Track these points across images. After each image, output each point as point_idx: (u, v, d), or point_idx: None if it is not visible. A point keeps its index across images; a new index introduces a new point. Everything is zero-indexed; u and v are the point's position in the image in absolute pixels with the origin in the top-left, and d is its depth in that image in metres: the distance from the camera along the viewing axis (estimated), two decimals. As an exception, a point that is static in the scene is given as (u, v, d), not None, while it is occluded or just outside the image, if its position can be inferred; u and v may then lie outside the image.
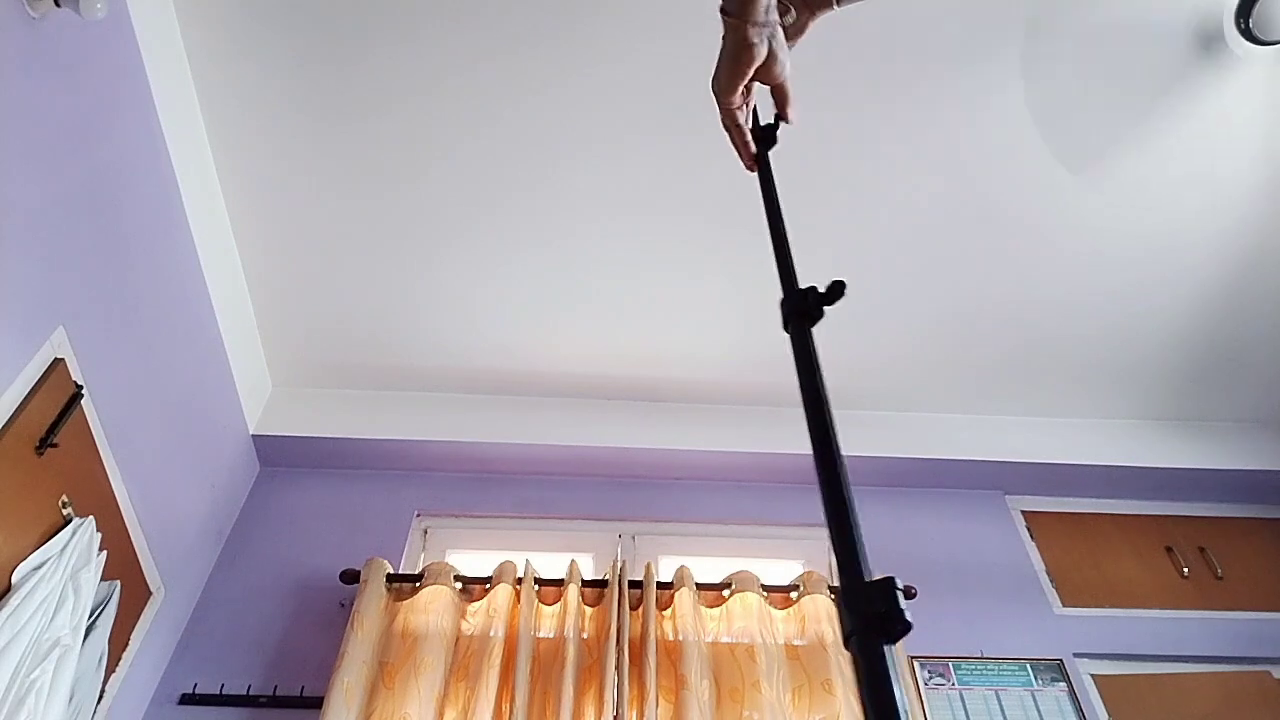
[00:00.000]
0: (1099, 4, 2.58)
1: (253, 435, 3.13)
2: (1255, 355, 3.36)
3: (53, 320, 2.03)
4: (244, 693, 2.51)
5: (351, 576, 2.69)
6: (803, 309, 0.80)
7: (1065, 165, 2.86)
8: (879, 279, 3.13)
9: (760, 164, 1.11)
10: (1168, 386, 3.45)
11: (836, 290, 0.79)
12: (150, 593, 2.44)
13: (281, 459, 3.19)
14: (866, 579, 0.61)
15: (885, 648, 0.56)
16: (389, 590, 2.67)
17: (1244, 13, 2.51)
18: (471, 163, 2.83)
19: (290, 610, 2.73)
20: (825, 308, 0.80)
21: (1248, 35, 2.53)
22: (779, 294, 0.88)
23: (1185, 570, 3.11)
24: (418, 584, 2.67)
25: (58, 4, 1.91)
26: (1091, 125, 2.80)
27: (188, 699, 2.50)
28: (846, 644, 0.58)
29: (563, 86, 2.67)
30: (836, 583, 2.90)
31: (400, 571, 2.83)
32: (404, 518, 3.07)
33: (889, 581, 0.58)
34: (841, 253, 3.06)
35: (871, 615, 0.57)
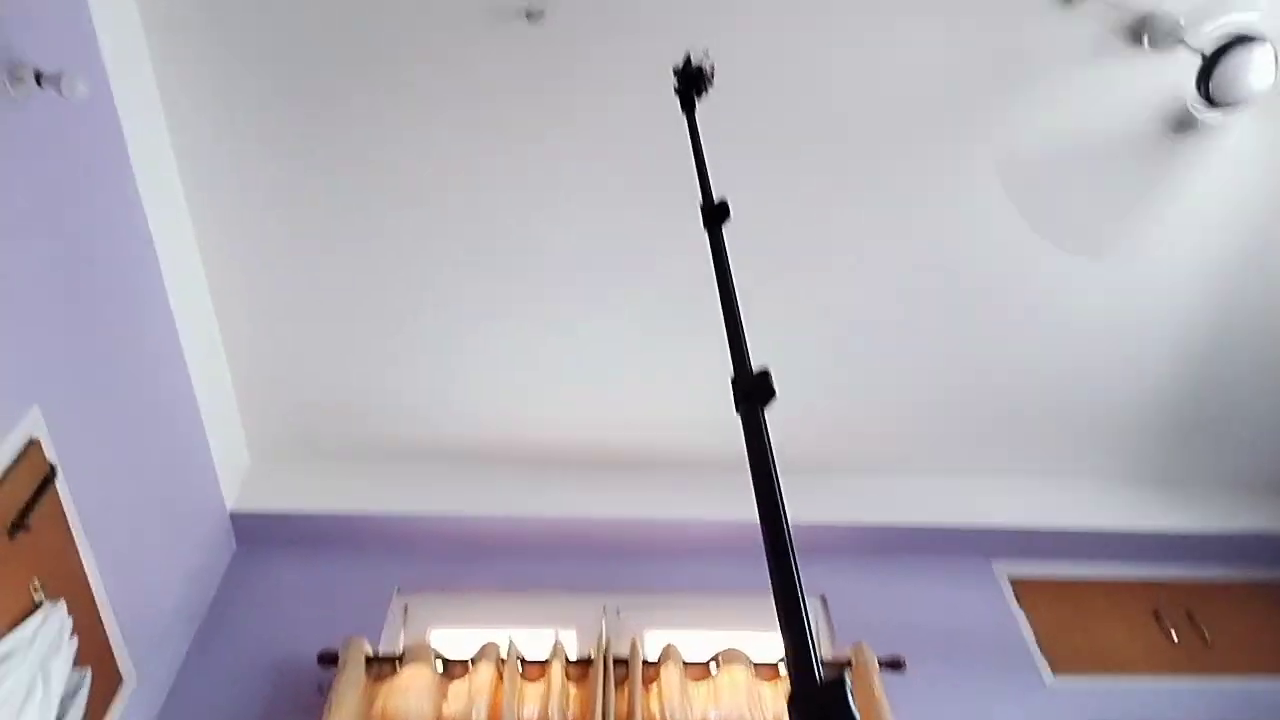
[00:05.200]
0: (1067, 102, 2.67)
1: (230, 512, 3.09)
2: (1237, 418, 3.38)
3: (28, 399, 2.02)
4: (217, 781, 2.44)
5: (329, 659, 2.64)
6: (754, 391, 0.81)
7: (1043, 237, 2.92)
8: (862, 344, 3.16)
9: (714, 241, 1.13)
10: (1150, 448, 3.46)
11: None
12: (121, 679, 2.38)
13: (259, 536, 3.15)
14: (819, 679, 0.60)
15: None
16: (368, 672, 2.61)
17: (1203, 80, 2.58)
18: (454, 235, 2.86)
19: (266, 696, 2.67)
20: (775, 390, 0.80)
21: (1210, 102, 2.59)
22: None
23: (1174, 636, 3.07)
24: (398, 664, 2.62)
25: (39, 84, 1.94)
26: (1069, 200, 2.86)
27: (159, 789, 2.42)
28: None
29: (544, 156, 2.72)
30: (827, 655, 2.86)
31: (380, 650, 2.77)
32: (384, 594, 3.02)
33: (839, 685, 0.58)
34: (823, 318, 3.09)
35: (821, 717, 0.57)
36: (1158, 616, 3.15)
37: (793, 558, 0.66)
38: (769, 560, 0.69)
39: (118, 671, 2.37)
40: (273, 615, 2.92)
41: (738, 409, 0.85)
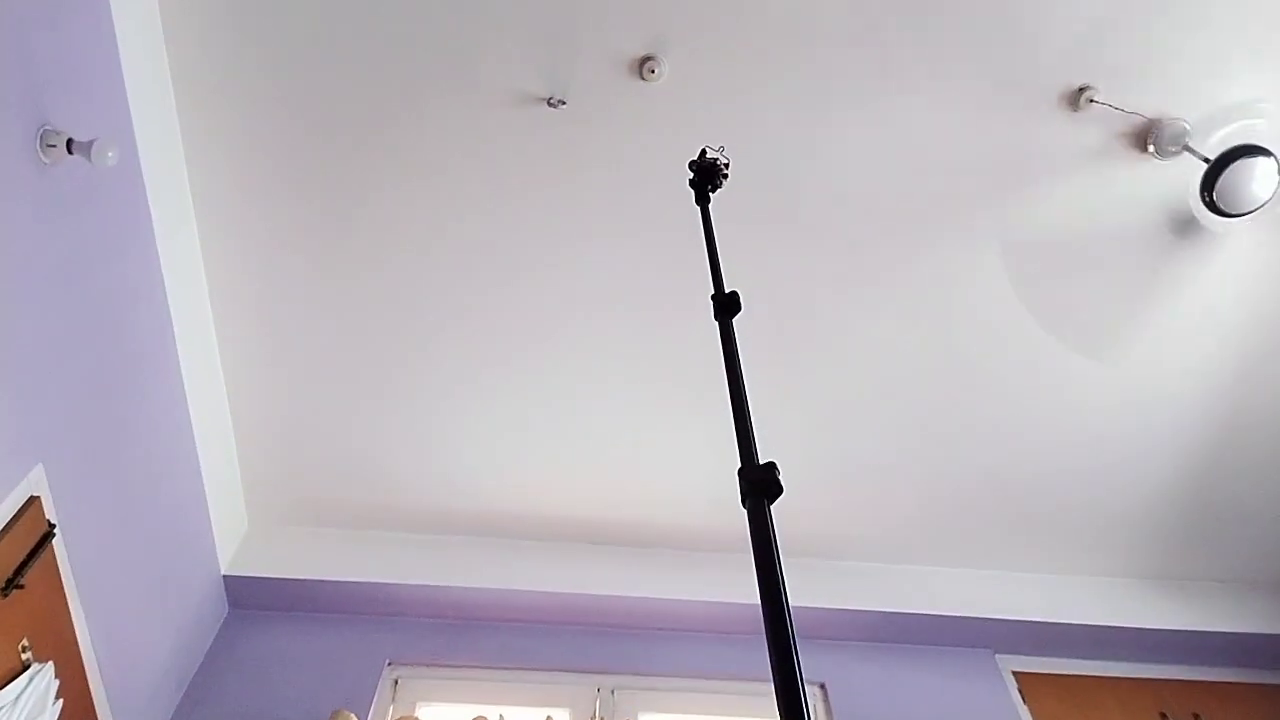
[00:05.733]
0: (1074, 203, 2.72)
1: (224, 575, 3.06)
2: (1240, 517, 3.36)
3: (32, 458, 2.03)
4: None
5: (316, 730, 2.58)
6: (762, 484, 0.81)
7: (1049, 333, 2.95)
8: (871, 436, 3.17)
9: (725, 332, 1.15)
10: (1154, 546, 3.43)
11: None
12: (104, 744, 2.33)
13: (251, 601, 3.11)
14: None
15: None
16: (354, 746, 2.55)
17: (1208, 188, 2.63)
18: (460, 312, 2.90)
19: (249, 767, 2.61)
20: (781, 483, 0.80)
21: (1214, 209, 2.64)
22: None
23: (1182, 737, 3.00)
24: (385, 739, 2.56)
25: (70, 151, 1.99)
26: (1076, 300, 2.90)
27: None
28: None
29: (555, 236, 2.77)
30: (821, 745, 2.79)
31: (368, 725, 2.72)
32: (375, 667, 2.97)
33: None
34: (830, 409, 3.10)
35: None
36: (1164, 717, 3.08)
37: (794, 653, 0.66)
38: (770, 651, 0.68)
39: (100, 736, 2.32)
40: (261, 682, 2.87)
41: (744, 503, 0.85)
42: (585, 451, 3.20)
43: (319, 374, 3.01)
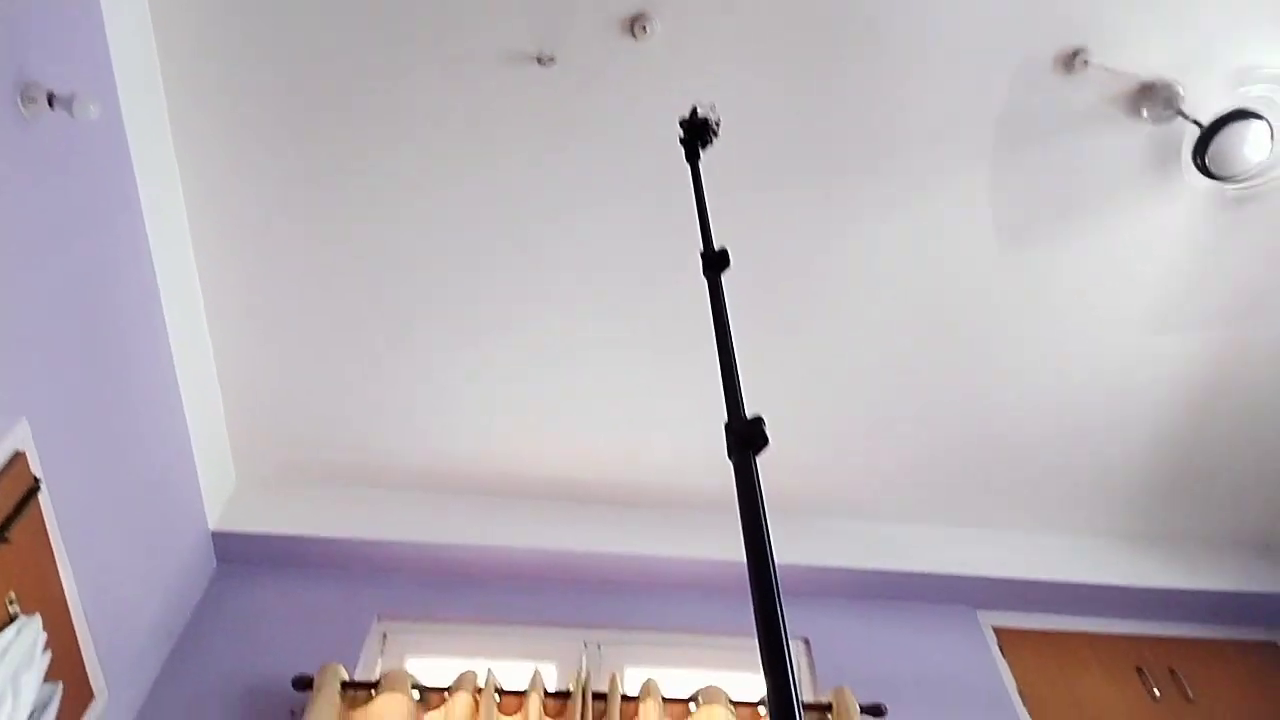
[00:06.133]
0: (1066, 164, 2.71)
1: (212, 532, 3.07)
2: (1223, 477, 3.40)
3: (16, 412, 2.01)
4: (184, 806, 2.39)
5: (304, 683, 2.61)
6: (748, 437, 0.82)
7: (1038, 294, 2.95)
8: (856, 395, 3.18)
9: (713, 288, 1.14)
10: (1138, 504, 3.47)
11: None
12: (93, 695, 2.35)
13: (239, 557, 3.12)
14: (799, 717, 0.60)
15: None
16: (343, 698, 2.58)
17: (1200, 152, 2.62)
18: (448, 262, 2.88)
19: (238, 718, 2.63)
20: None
21: (1206, 173, 2.63)
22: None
23: (1156, 692, 3.07)
24: (374, 691, 2.59)
25: (51, 105, 1.96)
26: (1065, 260, 2.90)
27: (124, 811, 2.38)
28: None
29: (543, 194, 2.75)
30: (808, 698, 2.84)
31: (357, 677, 2.74)
32: (363, 621, 2.99)
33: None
34: (818, 370, 3.11)
35: (801, 764, 0.57)
36: (1140, 672, 3.14)
37: (778, 605, 0.66)
38: (755, 604, 0.69)
39: (90, 687, 2.33)
40: (249, 637, 2.89)
41: (730, 456, 0.85)
42: (573, 412, 3.20)
43: (306, 333, 2.99)
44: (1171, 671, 3.14)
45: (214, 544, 3.09)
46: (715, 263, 1.22)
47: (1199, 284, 2.95)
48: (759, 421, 0.84)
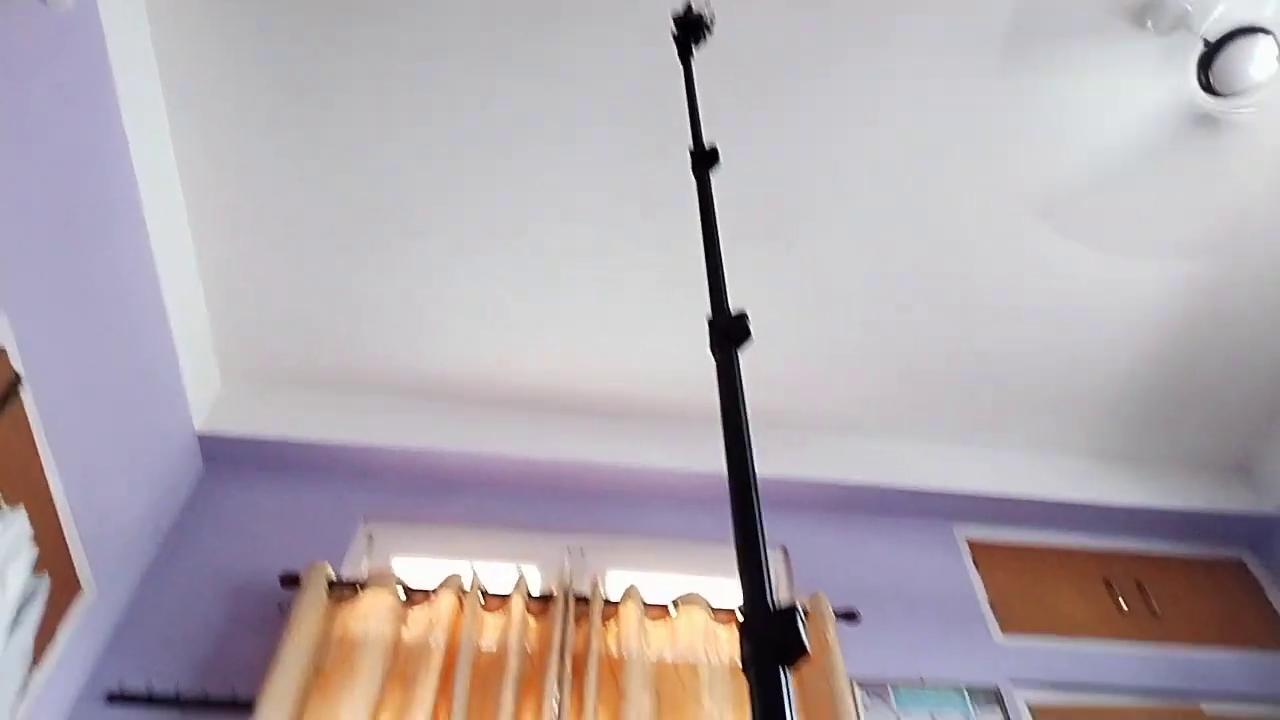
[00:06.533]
0: (1067, 83, 2.65)
1: (198, 434, 3.07)
2: (1201, 401, 3.44)
3: (-6, 307, 1.99)
4: (173, 693, 2.45)
5: (291, 580, 2.65)
6: (731, 332, 0.81)
7: (1031, 211, 2.93)
8: (841, 306, 3.17)
9: (701, 185, 1.12)
10: (1116, 425, 3.52)
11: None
12: (80, 588, 2.39)
13: (227, 458, 3.14)
14: (772, 607, 0.61)
15: (782, 674, 0.57)
16: (330, 595, 2.63)
17: (1204, 68, 2.57)
18: (438, 166, 2.83)
19: (226, 612, 2.68)
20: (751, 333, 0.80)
21: (1208, 89, 2.59)
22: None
23: (1123, 604, 3.16)
24: (360, 589, 2.64)
25: (21, -10, 1.88)
26: (1058, 172, 2.87)
27: (114, 698, 2.44)
28: (745, 669, 0.58)
29: (536, 96, 2.69)
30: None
31: (343, 576, 2.79)
32: (350, 522, 3.03)
33: (791, 611, 0.59)
34: (801, 277, 3.09)
35: (771, 641, 0.58)
36: (1108, 585, 3.23)
37: (754, 490, 0.67)
38: (731, 491, 0.69)
39: (77, 581, 2.37)
40: (237, 536, 2.93)
41: (713, 350, 0.85)
42: (562, 322, 3.19)
43: (293, 233, 2.95)
44: (1139, 586, 3.23)
45: (201, 446, 3.10)
46: (704, 160, 1.19)
47: (1189, 208, 2.93)
48: (743, 317, 0.83)
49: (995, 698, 2.76)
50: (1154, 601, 3.18)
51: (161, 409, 2.84)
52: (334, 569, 2.71)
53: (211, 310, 3.09)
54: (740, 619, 0.60)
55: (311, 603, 2.55)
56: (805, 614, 2.76)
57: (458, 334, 3.21)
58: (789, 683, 0.56)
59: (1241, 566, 3.40)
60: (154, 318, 2.73)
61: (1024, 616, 3.08)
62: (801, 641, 0.57)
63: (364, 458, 3.18)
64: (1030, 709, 2.79)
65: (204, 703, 2.44)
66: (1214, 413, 3.48)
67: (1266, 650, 3.08)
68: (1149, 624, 3.11)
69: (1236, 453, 3.57)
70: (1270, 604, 3.27)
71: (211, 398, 3.21)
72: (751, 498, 0.66)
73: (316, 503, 3.07)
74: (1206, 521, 3.41)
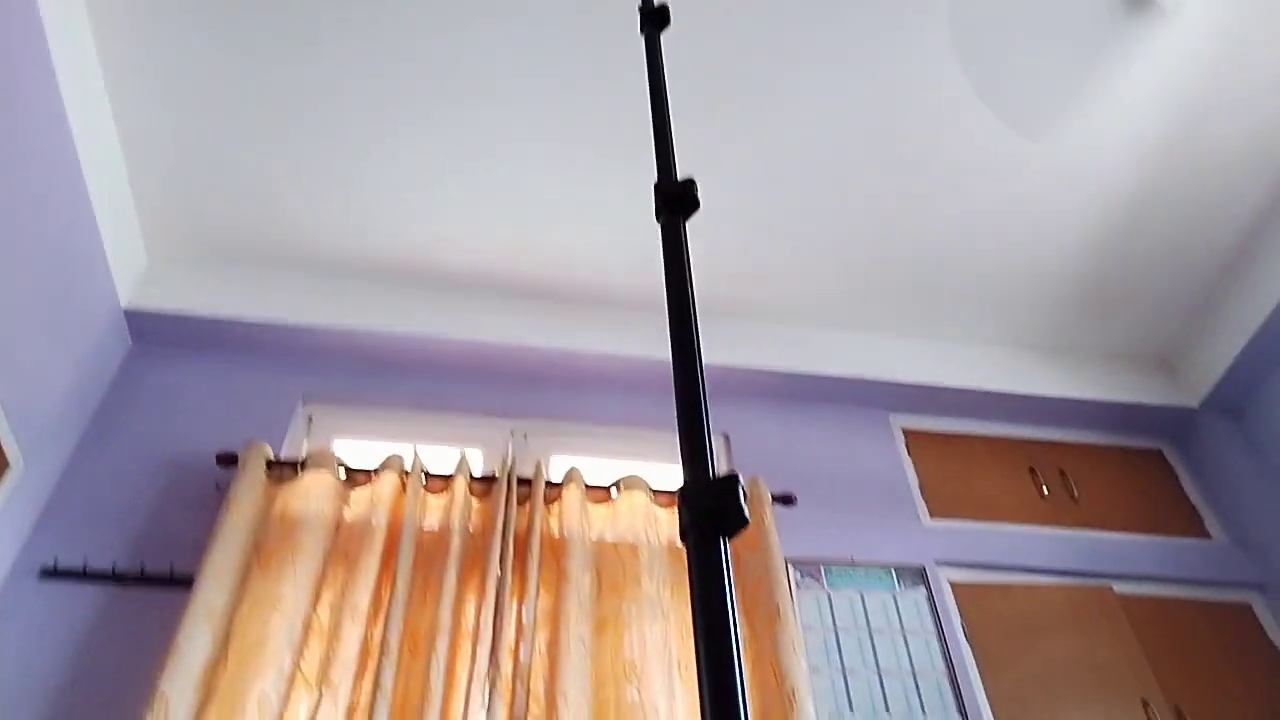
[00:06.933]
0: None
1: (125, 309, 2.96)
2: (1132, 296, 3.52)
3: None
4: (109, 569, 2.44)
5: (229, 459, 2.62)
6: (678, 199, 0.77)
7: (976, 97, 2.88)
8: (784, 191, 3.13)
9: (650, 45, 1.06)
10: (1048, 319, 3.59)
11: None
12: (7, 464, 2.33)
13: (156, 336, 3.04)
14: (712, 477, 0.60)
15: (721, 544, 0.56)
16: (269, 475, 2.61)
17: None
18: (372, 37, 2.67)
19: (161, 489, 2.65)
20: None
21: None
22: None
23: (1045, 490, 3.30)
24: (299, 469, 2.62)
25: None
26: (1004, 63, 2.81)
27: (49, 573, 2.42)
28: (683, 537, 0.57)
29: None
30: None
31: (282, 457, 2.76)
32: (288, 403, 2.98)
33: (732, 479, 0.58)
34: (744, 163, 3.03)
35: (710, 511, 0.57)
36: (1033, 472, 3.36)
37: (697, 355, 0.65)
38: (675, 365, 0.67)
39: (3, 455, 2.30)
40: (170, 414, 2.86)
41: (658, 218, 0.81)
42: (508, 203, 3.10)
43: (220, 101, 2.78)
44: (1061, 473, 3.37)
45: (128, 322, 2.99)
46: (654, 18, 1.13)
47: (1123, 100, 2.92)
48: (690, 184, 0.80)
49: (921, 576, 2.89)
50: (1074, 488, 3.32)
51: (84, 282, 2.72)
52: (273, 449, 2.68)
53: (134, 180, 2.93)
54: (680, 490, 0.59)
55: (250, 482, 2.52)
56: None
57: (394, 211, 3.11)
58: (727, 552, 0.55)
59: (1160, 457, 3.56)
60: (70, 184, 2.58)
61: (951, 501, 3.20)
62: (741, 511, 0.56)
63: (301, 338, 3.10)
64: (952, 587, 2.93)
65: (141, 578, 2.43)
66: (1141, 309, 3.57)
67: (1176, 536, 3.26)
68: (1068, 509, 3.26)
69: (1161, 348, 3.69)
70: (1184, 493, 3.44)
71: (137, 272, 3.08)
72: (694, 362, 0.64)
73: (252, 383, 3.01)
74: (1129, 413, 3.54)
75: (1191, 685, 2.81)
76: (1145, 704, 2.70)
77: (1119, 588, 3.04)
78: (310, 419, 3.03)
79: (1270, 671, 2.91)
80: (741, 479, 0.60)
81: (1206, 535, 3.30)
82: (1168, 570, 3.11)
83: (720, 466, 3.19)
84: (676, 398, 0.64)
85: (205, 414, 2.88)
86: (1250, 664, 2.91)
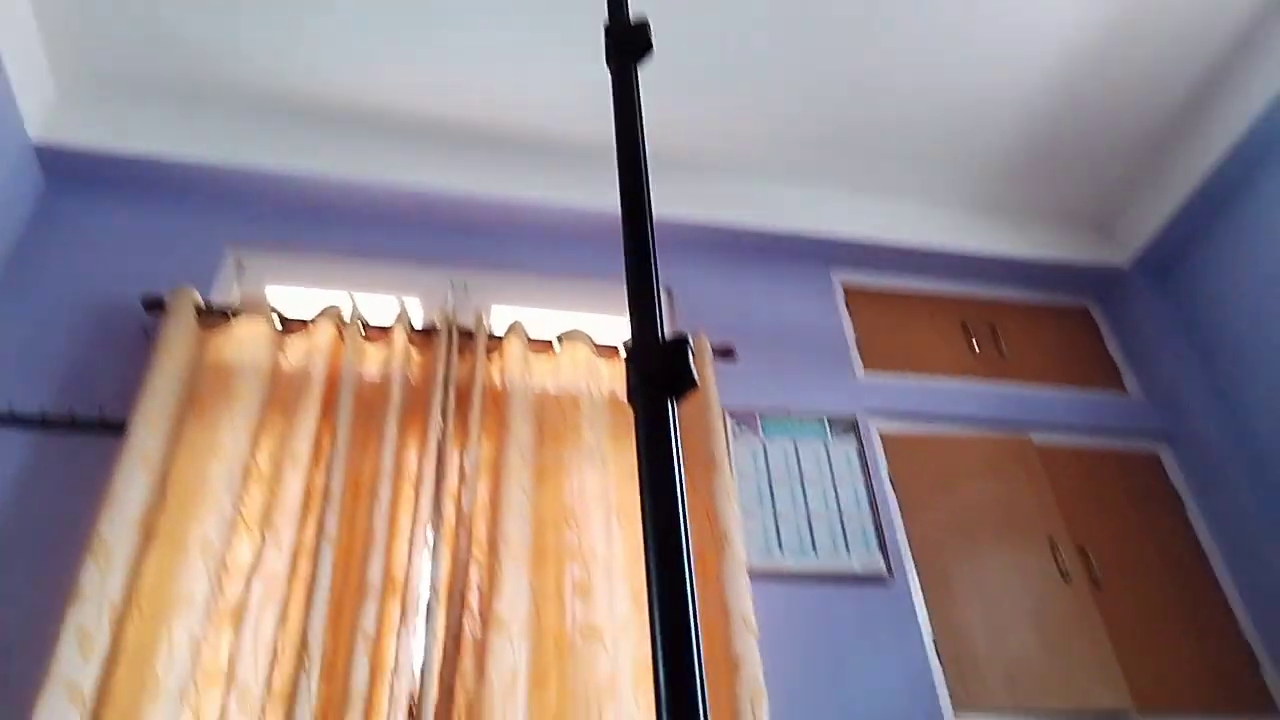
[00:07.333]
0: None
1: (35, 144, 2.77)
2: (1076, 157, 3.53)
3: None
4: (37, 414, 2.38)
5: (155, 304, 2.54)
6: (630, 42, 0.73)
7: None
8: (732, 42, 3.01)
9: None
10: (989, 177, 3.59)
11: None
12: (-83, 309, 2.22)
13: (71, 174, 2.87)
14: (661, 339, 0.59)
15: (669, 406, 0.56)
16: (199, 322, 2.54)
17: None
18: None
19: (86, 334, 2.57)
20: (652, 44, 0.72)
21: None
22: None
23: (976, 346, 3.40)
24: (231, 316, 2.55)
25: None
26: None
27: (-27, 421, 2.36)
28: (630, 398, 0.57)
29: None
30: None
31: (212, 303, 2.68)
32: (215, 247, 2.87)
33: (681, 343, 0.57)
34: (697, 15, 2.90)
35: (659, 373, 0.56)
36: (965, 328, 3.45)
37: (648, 214, 0.62)
38: (624, 222, 0.65)
39: (-88, 301, 2.19)
40: (91, 257, 2.74)
41: (609, 63, 0.77)
42: (443, 41, 2.93)
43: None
44: (992, 329, 3.47)
45: (39, 158, 2.81)
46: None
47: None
48: (644, 27, 0.75)
49: (852, 427, 2.99)
50: (1003, 344, 3.43)
51: (-14, 114, 2.53)
52: (201, 296, 2.60)
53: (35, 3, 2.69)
54: (628, 350, 0.58)
55: (179, 328, 2.46)
56: (684, 350, 2.84)
57: (327, 49, 2.92)
58: (675, 413, 0.55)
59: (1086, 315, 3.68)
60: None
61: (886, 356, 3.29)
62: (690, 374, 0.55)
63: (228, 180, 2.96)
64: (882, 437, 3.04)
65: (72, 424, 2.39)
66: (1080, 171, 3.59)
67: (1095, 389, 3.41)
68: (996, 364, 3.38)
69: (1097, 210, 3.74)
70: (1106, 350, 3.58)
71: (46, 104, 2.87)
72: (644, 221, 0.62)
73: (177, 226, 2.89)
74: (1060, 271, 3.63)
75: (1097, 528, 3.01)
76: (1052, 544, 2.90)
77: (1037, 438, 3.19)
78: (240, 264, 2.94)
79: (1171, 517, 3.13)
80: (691, 341, 0.59)
81: (1123, 390, 3.46)
82: (1084, 422, 3.27)
83: (663, 321, 3.21)
84: (626, 257, 0.62)
85: (129, 258, 2.76)
86: (1153, 510, 3.13)
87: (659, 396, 0.55)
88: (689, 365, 0.56)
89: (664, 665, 0.46)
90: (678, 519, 0.52)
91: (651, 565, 0.51)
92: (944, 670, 2.55)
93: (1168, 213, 3.43)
